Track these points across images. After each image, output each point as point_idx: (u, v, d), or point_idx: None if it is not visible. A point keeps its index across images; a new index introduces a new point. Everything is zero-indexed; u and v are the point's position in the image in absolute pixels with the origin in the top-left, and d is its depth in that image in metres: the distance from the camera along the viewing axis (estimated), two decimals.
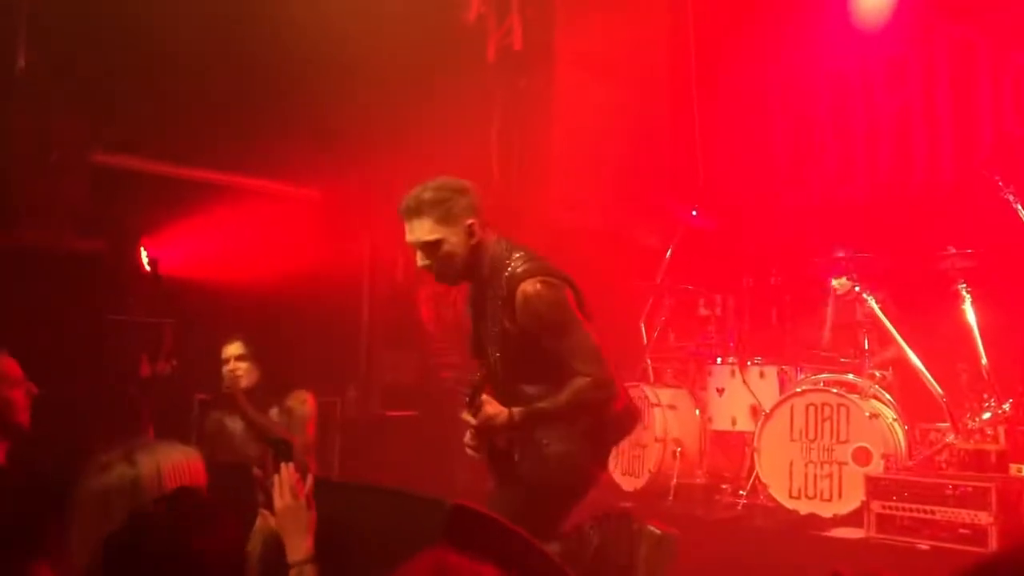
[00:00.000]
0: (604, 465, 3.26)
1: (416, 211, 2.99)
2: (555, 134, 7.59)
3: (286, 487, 1.97)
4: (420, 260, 3.02)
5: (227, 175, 6.49)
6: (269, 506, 1.92)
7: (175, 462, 1.90)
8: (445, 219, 2.98)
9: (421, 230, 2.98)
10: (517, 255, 3.01)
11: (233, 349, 4.44)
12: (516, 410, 2.91)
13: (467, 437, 3.04)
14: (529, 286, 2.91)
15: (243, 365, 4.41)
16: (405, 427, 6.84)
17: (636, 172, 7.55)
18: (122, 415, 4.87)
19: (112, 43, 5.64)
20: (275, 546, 1.89)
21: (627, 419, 3.17)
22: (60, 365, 5.05)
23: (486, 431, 2.96)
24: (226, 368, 4.46)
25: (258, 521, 1.94)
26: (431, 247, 2.99)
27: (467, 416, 2.93)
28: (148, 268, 5.89)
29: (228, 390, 4.34)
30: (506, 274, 2.97)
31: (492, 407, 2.91)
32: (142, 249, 5.93)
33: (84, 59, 5.56)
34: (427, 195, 2.99)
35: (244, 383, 4.33)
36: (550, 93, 7.57)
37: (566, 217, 7.47)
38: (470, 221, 3.00)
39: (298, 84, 6.38)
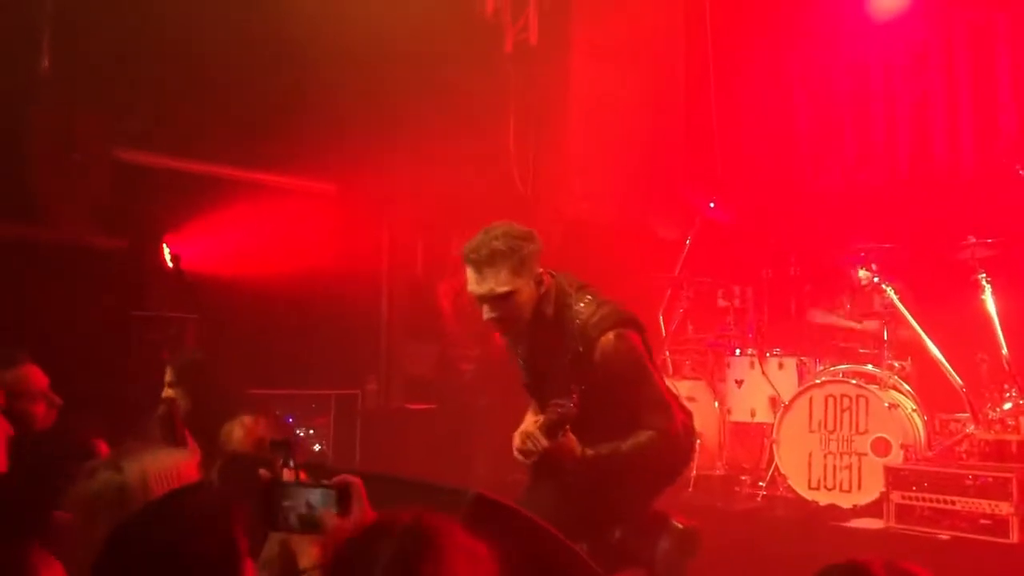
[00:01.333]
0: (652, 497, 3.13)
1: (489, 261, 2.83)
2: (572, 126, 7.59)
3: (356, 498, 1.96)
4: (487, 313, 2.87)
5: (247, 171, 6.55)
6: None
7: (162, 467, 1.90)
8: (518, 270, 2.85)
9: (495, 281, 2.83)
10: (586, 298, 2.98)
11: (167, 375, 4.23)
12: (589, 451, 2.89)
13: (521, 444, 2.94)
14: (608, 344, 2.89)
15: (172, 392, 4.17)
16: (425, 419, 6.88)
17: (653, 164, 7.54)
18: (145, 411, 4.92)
19: (133, 42, 5.70)
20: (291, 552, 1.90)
21: (681, 465, 3.17)
22: (84, 361, 5.12)
23: (554, 457, 2.90)
24: (163, 393, 4.21)
25: None
26: (502, 299, 2.86)
27: (539, 436, 2.86)
28: (170, 264, 5.96)
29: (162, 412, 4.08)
30: (578, 322, 2.93)
31: (572, 439, 2.86)
32: (164, 245, 6.00)
33: (106, 58, 5.61)
34: (498, 244, 2.84)
35: (176, 409, 4.07)
36: (567, 85, 7.57)
37: (583, 209, 7.48)
38: (540, 270, 2.94)
39: (316, 79, 6.42)
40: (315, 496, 1.84)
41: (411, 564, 1.29)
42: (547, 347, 3.03)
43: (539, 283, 2.93)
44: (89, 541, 1.63)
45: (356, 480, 1.87)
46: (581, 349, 2.92)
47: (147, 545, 1.49)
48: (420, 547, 1.31)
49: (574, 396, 2.86)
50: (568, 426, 2.86)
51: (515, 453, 2.98)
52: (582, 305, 2.97)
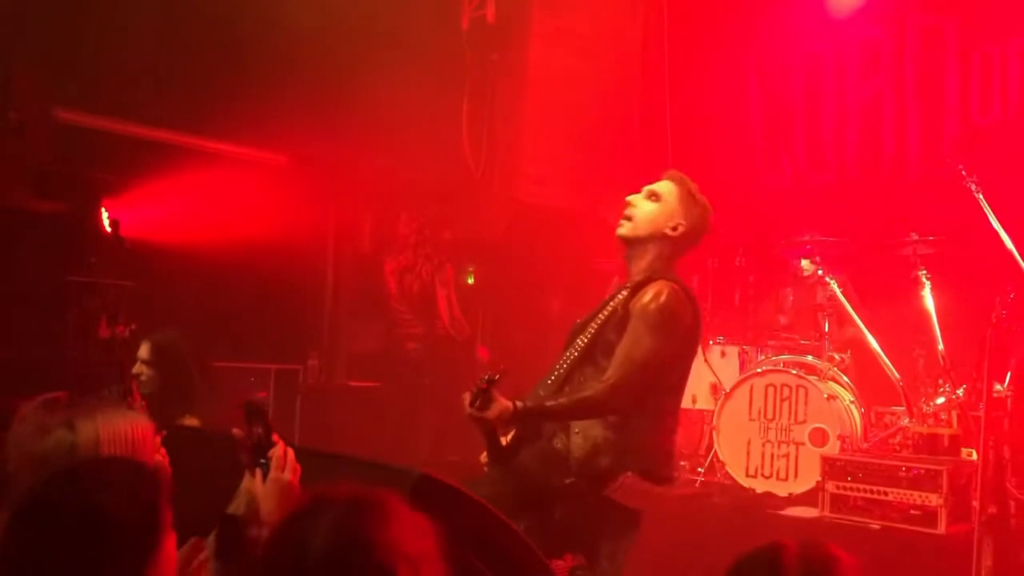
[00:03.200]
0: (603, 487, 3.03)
1: (677, 182, 3.09)
2: (526, 108, 7.56)
3: (287, 463, 1.95)
4: (632, 203, 3.08)
5: (192, 137, 6.39)
6: (251, 467, 1.90)
7: (116, 428, 1.87)
8: (681, 200, 3.06)
9: (663, 189, 3.08)
10: (672, 273, 3.05)
11: (142, 351, 4.00)
12: (520, 404, 2.84)
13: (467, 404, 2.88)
14: (665, 285, 2.93)
15: (147, 371, 3.99)
16: (368, 397, 6.82)
17: (606, 151, 7.54)
18: (81, 377, 4.79)
19: None
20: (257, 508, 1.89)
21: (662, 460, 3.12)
22: (19, 326, 4.97)
23: (490, 426, 2.88)
24: (134, 368, 4.02)
25: (244, 481, 1.92)
26: (653, 195, 3.08)
27: (471, 410, 2.82)
28: (109, 229, 5.79)
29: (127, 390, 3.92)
30: (651, 275, 3.00)
31: (498, 405, 2.80)
32: (103, 210, 5.82)
33: (46, 14, 5.42)
34: (691, 185, 3.10)
35: (146, 389, 3.92)
36: (523, 67, 7.53)
37: (535, 192, 7.46)
38: (680, 221, 3.05)
39: (267, 47, 6.28)
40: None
41: (353, 532, 1.27)
42: (608, 303, 3.04)
43: (674, 228, 3.04)
44: None
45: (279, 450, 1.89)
46: (636, 283, 2.96)
47: (65, 506, 1.45)
48: (363, 516, 1.29)
49: (501, 369, 2.84)
50: (483, 398, 2.79)
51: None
52: (667, 275, 3.01)
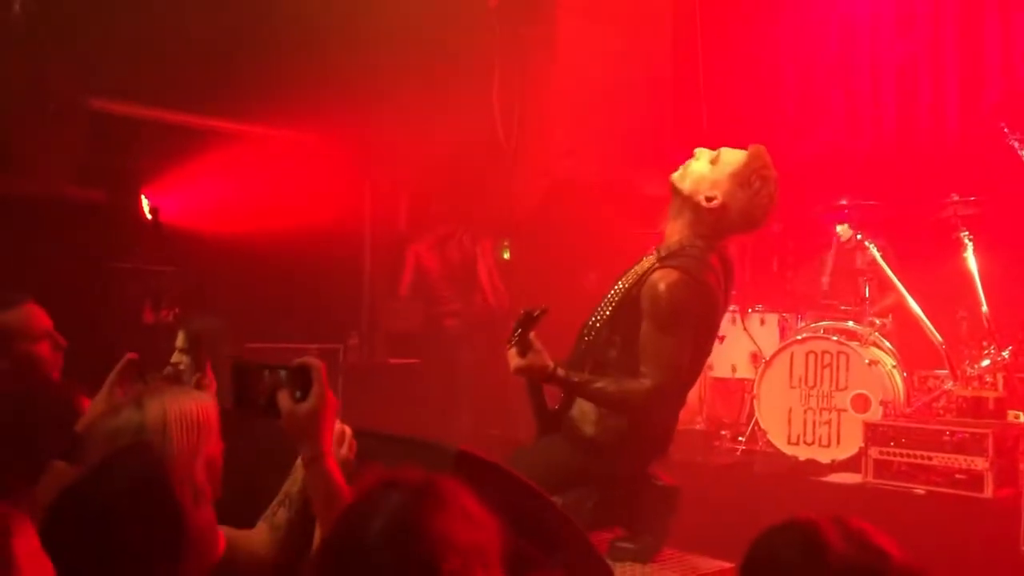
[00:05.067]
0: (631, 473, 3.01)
1: (725, 152, 2.92)
2: (556, 82, 7.51)
3: (345, 442, 2.00)
4: (696, 156, 2.94)
5: (227, 121, 6.44)
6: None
7: (182, 407, 1.90)
8: (722, 171, 2.87)
9: (707, 157, 2.91)
10: (696, 248, 2.88)
11: (179, 340, 4.08)
12: (560, 370, 2.80)
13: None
14: (669, 273, 2.78)
15: (185, 359, 4.00)
16: (408, 374, 6.88)
17: (639, 120, 7.48)
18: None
19: None
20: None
21: (659, 446, 3.06)
22: (62, 314, 5.06)
23: (527, 375, 2.85)
24: (173, 357, 4.04)
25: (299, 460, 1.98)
26: (715, 158, 2.91)
27: (511, 351, 2.79)
28: (149, 216, 5.88)
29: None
30: (672, 251, 2.86)
31: (536, 356, 2.79)
32: (142, 197, 5.92)
33: (80, 4, 5.48)
34: (742, 155, 2.91)
35: (184, 379, 3.94)
36: (552, 40, 7.48)
37: (567, 165, 7.43)
38: (714, 195, 2.85)
39: (298, 29, 6.30)
40: (277, 378, 1.89)
41: (408, 518, 1.29)
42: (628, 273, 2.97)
43: (708, 200, 2.86)
44: None
45: (318, 363, 1.90)
46: (648, 267, 2.85)
47: (84, 510, 1.48)
48: (422, 503, 1.32)
49: (541, 307, 2.80)
50: (521, 334, 2.77)
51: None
52: (683, 250, 2.87)
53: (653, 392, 2.77)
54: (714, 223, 2.89)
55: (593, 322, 2.96)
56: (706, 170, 2.89)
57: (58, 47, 5.52)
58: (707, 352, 3.05)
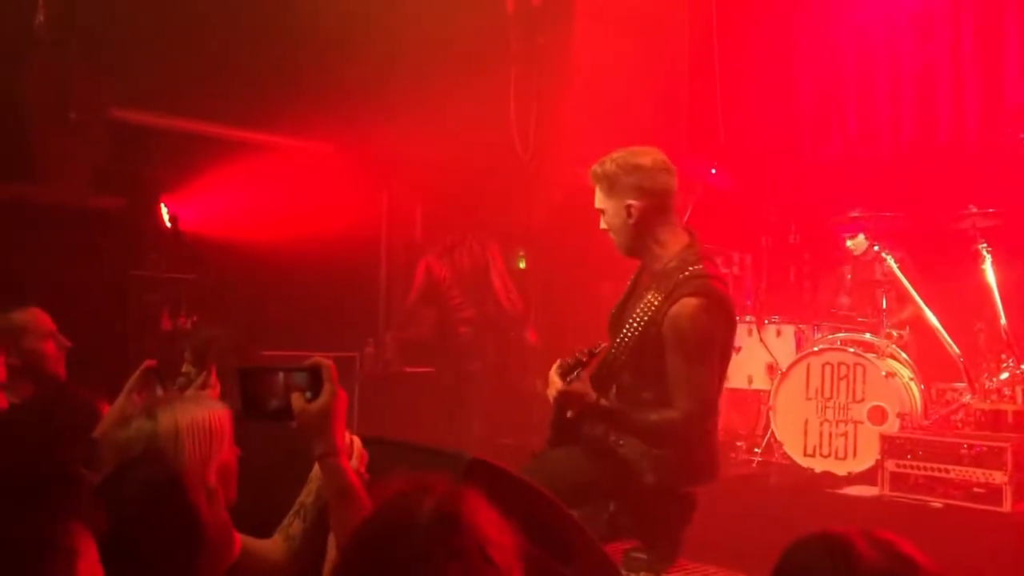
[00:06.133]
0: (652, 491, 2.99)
1: (595, 179, 3.04)
2: (573, 90, 7.52)
3: (355, 454, 2.02)
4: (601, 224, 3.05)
5: (245, 131, 6.50)
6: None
7: (194, 417, 1.91)
8: (608, 193, 2.98)
9: (597, 198, 3.03)
10: (699, 267, 2.90)
11: (188, 351, 4.09)
12: (603, 401, 2.84)
13: (544, 388, 2.95)
14: (692, 302, 2.80)
15: (193, 370, 4.01)
16: (423, 382, 6.89)
17: (655, 129, 7.48)
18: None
19: None
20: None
21: (707, 470, 3.04)
22: (82, 321, 5.11)
23: (566, 401, 2.89)
24: (183, 367, 4.06)
25: (314, 470, 2.01)
26: (600, 213, 3.03)
27: (554, 376, 2.85)
28: (168, 224, 5.93)
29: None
30: (680, 277, 2.86)
31: (585, 385, 2.84)
32: (162, 205, 5.97)
33: (103, 15, 5.54)
34: (602, 168, 3.01)
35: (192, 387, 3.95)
36: (569, 48, 7.49)
37: (583, 174, 7.42)
38: (629, 202, 2.92)
39: (315, 39, 6.36)
40: (291, 380, 1.88)
41: (454, 509, 1.31)
42: (639, 295, 2.99)
43: (628, 215, 2.92)
44: None
45: (327, 363, 1.91)
46: (666, 296, 2.85)
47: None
48: (462, 500, 1.34)
49: (601, 345, 2.86)
50: (580, 372, 2.82)
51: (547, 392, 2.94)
52: (694, 269, 2.89)
53: (688, 422, 2.83)
54: (653, 218, 2.95)
55: (615, 352, 2.98)
56: (600, 194, 3.02)
57: (80, 57, 5.58)
58: (727, 365, 3.07)
